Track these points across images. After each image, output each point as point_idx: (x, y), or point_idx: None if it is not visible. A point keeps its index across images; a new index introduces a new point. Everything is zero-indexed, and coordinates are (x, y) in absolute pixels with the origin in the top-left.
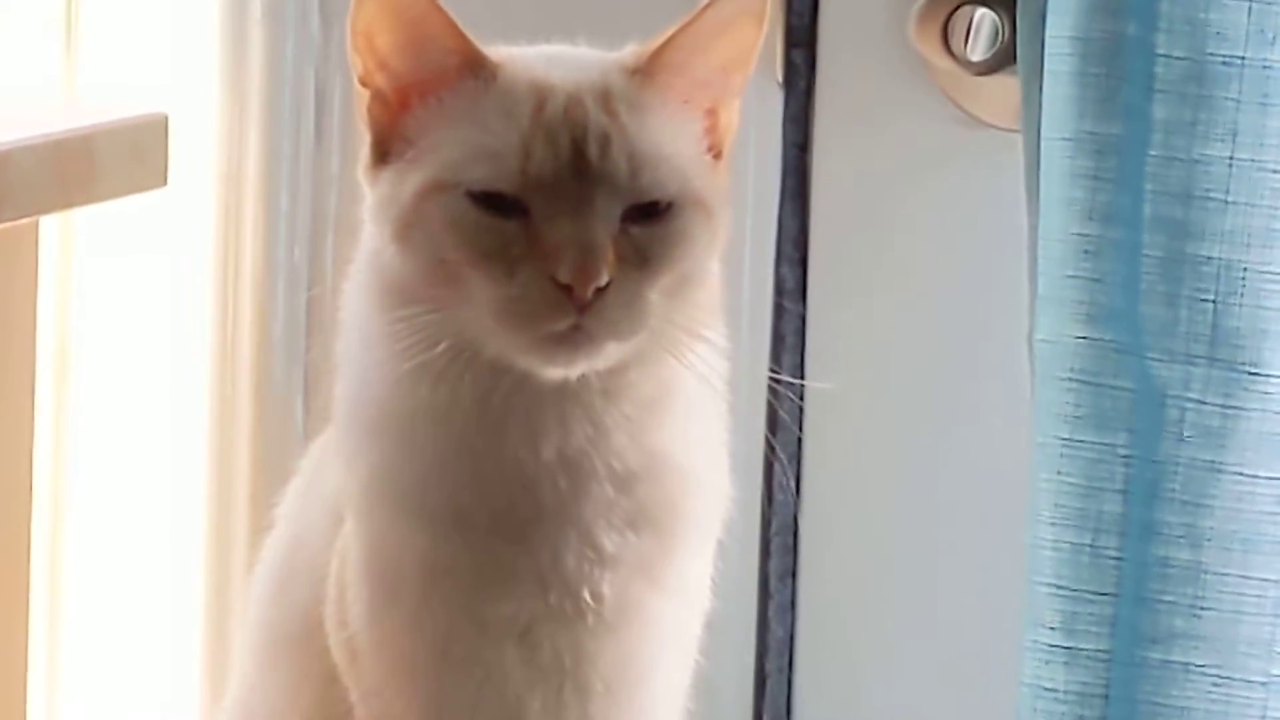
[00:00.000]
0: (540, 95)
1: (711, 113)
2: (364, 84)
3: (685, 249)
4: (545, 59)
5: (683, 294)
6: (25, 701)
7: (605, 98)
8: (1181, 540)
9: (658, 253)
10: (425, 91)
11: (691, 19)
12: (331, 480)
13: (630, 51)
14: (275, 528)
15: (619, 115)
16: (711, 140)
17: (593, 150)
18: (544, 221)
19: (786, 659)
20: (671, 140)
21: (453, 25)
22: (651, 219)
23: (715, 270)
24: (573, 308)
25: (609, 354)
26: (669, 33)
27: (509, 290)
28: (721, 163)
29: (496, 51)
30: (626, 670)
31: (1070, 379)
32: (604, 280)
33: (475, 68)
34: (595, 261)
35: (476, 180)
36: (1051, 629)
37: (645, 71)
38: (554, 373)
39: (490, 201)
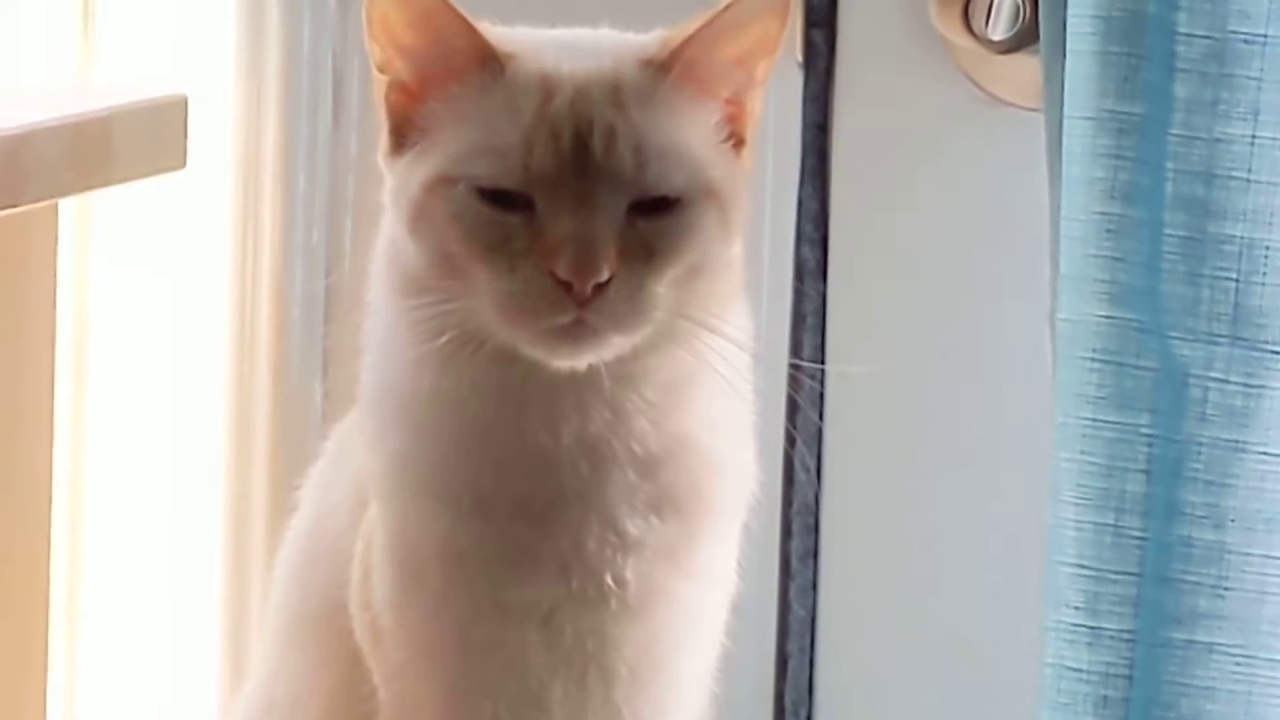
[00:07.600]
0: (548, 89)
1: (732, 101)
2: (381, 70)
3: (694, 242)
4: (560, 47)
5: (694, 285)
6: (45, 682)
7: (615, 91)
8: (1205, 520)
9: (664, 246)
10: (438, 83)
11: (714, 15)
12: (356, 462)
13: (651, 40)
14: (299, 509)
15: (628, 109)
16: (732, 129)
17: (597, 145)
18: (546, 217)
19: (808, 640)
20: (684, 133)
21: (460, 18)
22: (659, 212)
23: (735, 259)
24: (572, 303)
25: (614, 346)
26: (691, 29)
27: (511, 285)
28: (744, 150)
29: (512, 38)
30: (651, 655)
31: (1092, 358)
32: (603, 276)
33: (484, 61)
34: (594, 257)
35: (480, 176)
36: (1075, 609)
37: (662, 66)
38: (560, 364)
39: (495, 196)
